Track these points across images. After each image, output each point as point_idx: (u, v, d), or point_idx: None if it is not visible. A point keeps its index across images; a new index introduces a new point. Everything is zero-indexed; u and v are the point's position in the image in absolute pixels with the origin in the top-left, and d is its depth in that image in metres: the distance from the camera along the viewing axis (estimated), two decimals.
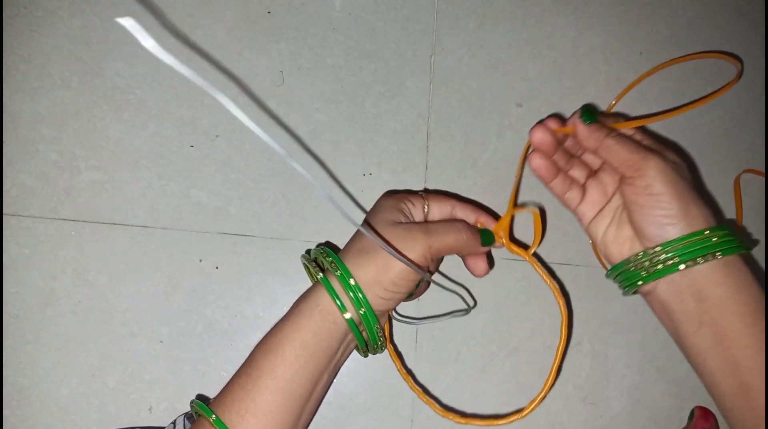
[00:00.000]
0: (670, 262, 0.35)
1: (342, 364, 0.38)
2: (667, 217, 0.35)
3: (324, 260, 0.36)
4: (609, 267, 0.40)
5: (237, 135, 0.45)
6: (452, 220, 0.39)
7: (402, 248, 0.35)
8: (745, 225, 0.51)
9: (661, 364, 0.49)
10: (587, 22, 0.51)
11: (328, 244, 0.45)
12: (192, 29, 0.46)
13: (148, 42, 0.17)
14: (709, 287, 0.34)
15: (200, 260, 0.44)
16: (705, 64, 0.52)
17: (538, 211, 0.41)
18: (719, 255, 0.33)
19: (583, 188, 0.41)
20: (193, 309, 0.44)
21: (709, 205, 0.36)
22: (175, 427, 0.38)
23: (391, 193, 0.41)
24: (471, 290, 0.47)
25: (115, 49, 0.44)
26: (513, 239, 0.46)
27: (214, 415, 0.33)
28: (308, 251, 0.39)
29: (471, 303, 0.47)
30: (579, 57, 0.50)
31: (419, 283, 0.38)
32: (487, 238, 0.39)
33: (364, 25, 0.48)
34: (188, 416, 0.38)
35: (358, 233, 0.38)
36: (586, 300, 0.48)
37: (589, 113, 0.38)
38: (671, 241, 0.34)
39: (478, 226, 0.40)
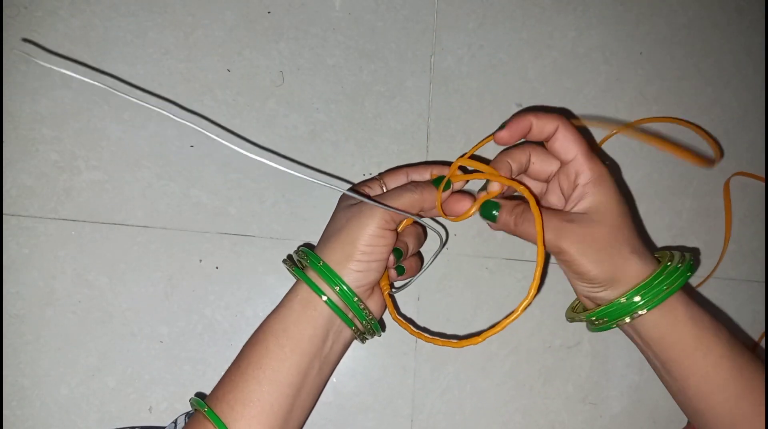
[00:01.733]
0: (600, 323, 0.36)
1: (337, 356, 0.38)
2: (593, 289, 0.35)
3: (299, 257, 0.38)
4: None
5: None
6: (404, 184, 0.39)
7: (361, 217, 0.36)
8: (734, 229, 0.52)
9: None
10: (587, 22, 0.51)
11: (307, 245, 0.45)
12: (192, 29, 0.46)
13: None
14: (646, 330, 0.35)
15: (200, 260, 0.44)
16: (705, 63, 0.52)
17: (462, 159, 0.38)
18: (643, 312, 0.34)
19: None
20: (193, 309, 0.44)
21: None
22: (176, 426, 0.38)
23: (350, 187, 0.42)
24: (467, 283, 0.47)
25: (115, 49, 0.44)
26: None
27: (206, 407, 0.34)
28: (289, 257, 0.39)
29: (443, 235, 0.47)
30: (579, 57, 0.50)
31: (400, 255, 0.38)
32: (439, 182, 0.39)
33: (364, 25, 0.48)
34: (189, 415, 0.38)
35: (326, 227, 0.39)
36: None
37: (487, 208, 0.37)
38: (599, 309, 0.35)
39: (431, 177, 0.40)
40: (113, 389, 0.43)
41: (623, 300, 0.34)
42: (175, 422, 0.39)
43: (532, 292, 0.34)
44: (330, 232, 0.38)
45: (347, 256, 0.36)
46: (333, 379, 0.45)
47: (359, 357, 0.46)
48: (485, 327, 0.47)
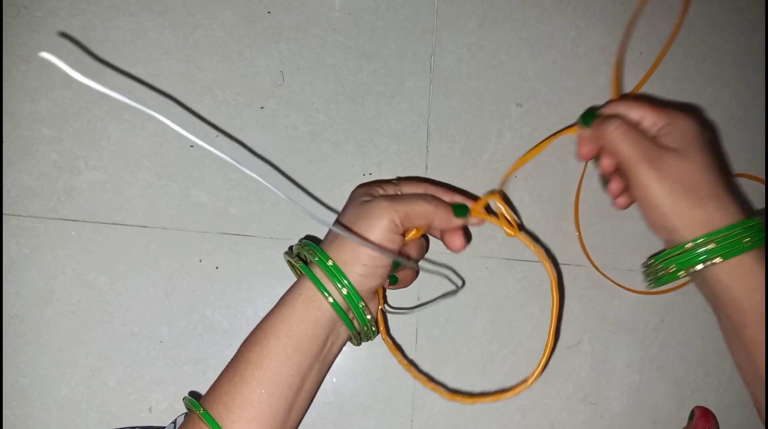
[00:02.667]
0: (671, 271, 0.35)
1: (334, 356, 0.38)
2: (663, 227, 0.35)
3: (304, 251, 0.36)
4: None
5: (237, 135, 0.45)
6: (420, 193, 0.39)
7: (370, 218, 0.35)
8: None
9: (661, 364, 0.49)
10: (587, 22, 0.51)
11: (308, 237, 0.45)
12: (192, 29, 0.46)
13: (74, 73, 0.18)
14: (719, 289, 0.34)
15: (200, 260, 0.44)
16: (705, 63, 0.52)
17: (498, 195, 0.39)
18: (718, 260, 0.33)
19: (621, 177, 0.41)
20: (193, 309, 0.44)
21: (722, 195, 0.35)
22: (175, 426, 0.38)
23: (364, 184, 0.41)
24: (467, 283, 0.47)
25: (115, 49, 0.44)
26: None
27: (202, 409, 0.33)
28: (291, 248, 0.39)
29: (459, 283, 0.47)
30: (579, 57, 0.50)
31: (398, 266, 0.38)
32: (460, 210, 0.38)
33: (364, 25, 0.48)
34: (188, 415, 0.38)
35: (333, 224, 0.38)
36: (586, 300, 0.48)
37: (588, 116, 0.38)
38: (666, 252, 0.35)
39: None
40: (113, 389, 0.43)
41: (690, 244, 0.33)
42: (174, 422, 0.39)
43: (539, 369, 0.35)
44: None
45: (355, 256, 0.35)
46: (333, 379, 0.45)
47: (359, 357, 0.46)
48: (485, 327, 0.47)
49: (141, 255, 0.44)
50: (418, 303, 0.47)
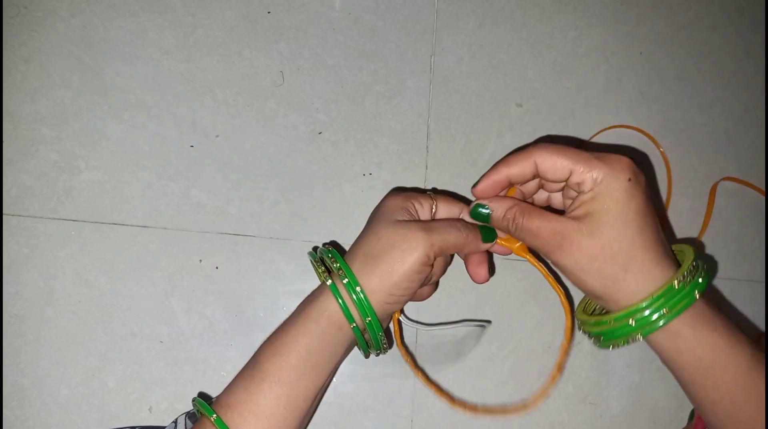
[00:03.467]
0: (597, 343, 0.34)
1: (339, 366, 0.38)
2: (595, 297, 0.34)
3: (330, 264, 0.36)
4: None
5: (237, 135, 0.45)
6: (453, 219, 0.38)
7: (404, 250, 0.34)
8: (734, 229, 0.51)
9: (661, 364, 0.48)
10: (587, 21, 0.51)
11: (334, 244, 0.45)
12: (192, 29, 0.46)
13: None
14: (663, 352, 0.33)
15: (200, 260, 0.44)
16: (705, 63, 0.52)
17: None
18: (639, 337, 0.32)
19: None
20: (193, 309, 0.44)
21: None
22: (176, 426, 0.38)
23: (398, 191, 0.40)
24: (472, 294, 0.47)
25: (115, 49, 0.45)
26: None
27: (215, 415, 0.33)
28: (315, 249, 0.39)
29: (483, 323, 0.47)
30: (579, 57, 0.50)
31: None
32: (488, 234, 0.38)
33: (364, 25, 0.48)
34: (189, 415, 0.38)
35: (363, 236, 0.37)
36: None
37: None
38: (598, 322, 0.33)
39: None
40: (113, 389, 0.43)
41: (620, 315, 0.32)
42: (175, 422, 0.39)
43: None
44: (369, 249, 0.35)
45: (382, 286, 0.34)
46: (333, 379, 0.45)
47: (359, 357, 0.46)
48: (485, 327, 0.47)
49: (141, 255, 0.44)
50: (438, 321, 0.47)
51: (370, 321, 0.34)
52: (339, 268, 0.35)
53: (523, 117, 0.49)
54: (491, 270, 0.44)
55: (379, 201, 0.40)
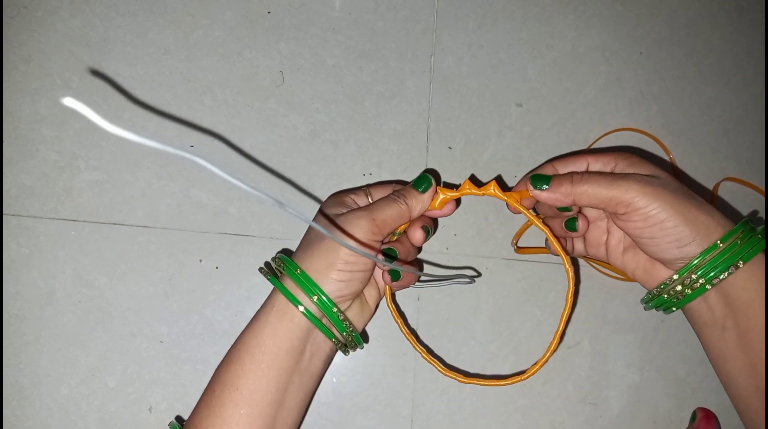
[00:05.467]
0: (698, 285, 0.34)
1: (318, 369, 0.37)
2: (679, 241, 0.33)
3: (275, 264, 0.36)
4: (645, 293, 0.39)
5: (237, 135, 0.45)
6: (386, 196, 0.38)
7: (347, 229, 0.34)
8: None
9: (661, 364, 0.49)
10: (587, 22, 0.51)
11: (285, 251, 0.45)
12: (192, 29, 0.46)
13: (98, 119, 0.18)
14: (735, 292, 0.33)
15: (200, 260, 0.44)
16: (705, 63, 0.52)
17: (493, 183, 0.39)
18: (741, 263, 0.32)
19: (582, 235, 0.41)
20: (193, 309, 0.44)
21: (712, 204, 0.35)
22: None
23: (334, 193, 0.41)
24: (472, 295, 0.47)
25: (115, 49, 0.45)
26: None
27: None
28: (267, 265, 0.39)
29: (474, 277, 0.47)
30: (579, 57, 0.50)
31: (396, 256, 0.37)
32: (421, 181, 0.37)
33: (364, 25, 0.48)
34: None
35: (306, 232, 0.38)
36: (586, 300, 0.48)
37: (541, 177, 0.36)
38: (693, 262, 0.33)
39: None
40: (113, 389, 0.43)
41: (721, 244, 0.32)
42: None
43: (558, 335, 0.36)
44: (311, 237, 0.36)
45: (329, 264, 0.34)
46: (333, 379, 0.45)
47: (359, 357, 0.46)
48: (485, 327, 0.47)
49: (141, 255, 0.44)
50: (428, 279, 0.47)
51: (318, 299, 0.34)
52: (278, 261, 0.36)
53: (523, 117, 0.49)
54: (434, 228, 0.45)
55: None
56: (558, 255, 0.37)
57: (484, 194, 0.38)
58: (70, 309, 0.43)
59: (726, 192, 0.52)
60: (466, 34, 0.49)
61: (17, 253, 0.42)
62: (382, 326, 0.46)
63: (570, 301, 0.36)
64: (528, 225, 0.46)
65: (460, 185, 0.38)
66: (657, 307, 0.38)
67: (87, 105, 0.45)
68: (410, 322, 0.46)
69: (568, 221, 0.38)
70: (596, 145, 0.50)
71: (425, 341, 0.46)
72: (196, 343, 0.44)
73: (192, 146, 0.45)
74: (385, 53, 0.48)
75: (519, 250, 0.47)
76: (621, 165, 0.36)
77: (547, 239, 0.40)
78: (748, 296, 0.33)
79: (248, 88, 0.46)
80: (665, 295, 0.36)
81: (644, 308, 0.39)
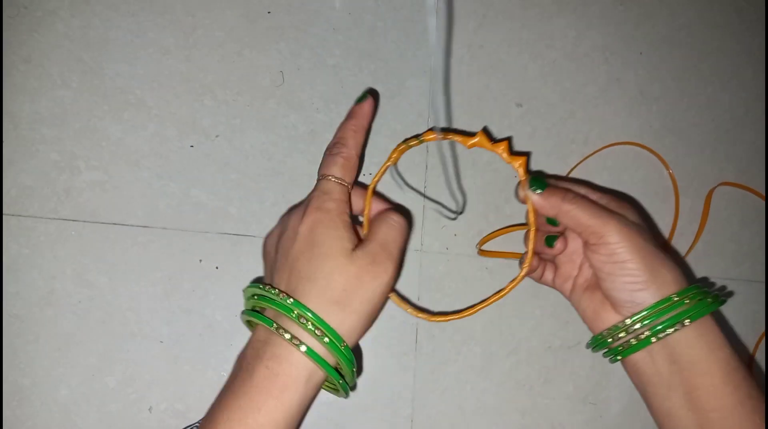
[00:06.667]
0: (643, 337, 0.34)
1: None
2: (635, 284, 0.34)
3: (292, 318, 0.31)
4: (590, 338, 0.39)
5: (237, 135, 0.45)
6: (385, 216, 0.37)
7: (372, 280, 0.33)
8: (734, 229, 0.51)
9: None
10: (587, 22, 0.51)
11: (259, 280, 0.41)
12: (192, 29, 0.46)
13: None
14: (681, 349, 0.33)
15: (200, 260, 0.44)
16: (705, 63, 0.52)
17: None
18: (687, 322, 0.33)
19: (554, 263, 0.42)
20: (193, 309, 0.44)
21: (676, 262, 0.35)
22: None
23: (317, 212, 0.34)
24: (470, 289, 0.47)
25: (115, 49, 0.44)
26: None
27: None
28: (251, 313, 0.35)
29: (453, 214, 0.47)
30: (579, 57, 0.50)
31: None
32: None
33: (364, 25, 0.48)
34: None
35: (313, 276, 0.32)
36: None
37: (539, 181, 0.37)
38: (641, 312, 0.34)
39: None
40: (113, 389, 0.43)
41: (675, 298, 0.33)
42: None
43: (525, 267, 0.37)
44: (337, 294, 0.32)
45: (360, 324, 0.32)
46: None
47: (359, 357, 0.46)
48: (485, 327, 0.47)
49: (141, 255, 0.44)
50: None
51: (342, 351, 0.32)
52: (316, 330, 0.31)
53: (523, 117, 0.49)
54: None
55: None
56: (526, 250, 0.38)
57: (470, 144, 0.37)
58: (70, 309, 0.43)
59: (726, 191, 0.52)
60: (466, 34, 0.49)
61: (17, 253, 0.42)
62: (382, 326, 0.46)
63: (533, 219, 0.37)
64: (501, 232, 0.46)
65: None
66: (601, 351, 0.38)
67: (87, 105, 0.46)
68: (410, 321, 0.46)
69: (549, 237, 0.39)
70: (597, 156, 0.50)
71: (425, 341, 0.46)
72: (196, 343, 0.44)
73: (192, 146, 0.45)
74: (385, 53, 0.48)
75: (482, 252, 0.47)
76: (612, 205, 0.37)
77: (527, 234, 0.40)
78: (695, 354, 0.33)
79: (248, 88, 0.46)
80: (610, 340, 0.36)
81: (592, 351, 0.39)
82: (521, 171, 0.37)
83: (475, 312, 0.38)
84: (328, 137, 0.46)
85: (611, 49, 0.51)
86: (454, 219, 0.46)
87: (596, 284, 0.38)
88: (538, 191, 0.36)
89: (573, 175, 0.49)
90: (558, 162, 0.49)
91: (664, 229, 0.51)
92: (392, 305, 0.46)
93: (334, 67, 0.47)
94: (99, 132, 0.44)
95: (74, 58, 0.44)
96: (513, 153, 0.38)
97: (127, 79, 0.44)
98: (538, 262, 0.41)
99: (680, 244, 0.51)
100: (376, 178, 0.39)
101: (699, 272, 0.51)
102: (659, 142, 0.51)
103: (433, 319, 0.39)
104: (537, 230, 0.38)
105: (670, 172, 0.50)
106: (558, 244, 0.39)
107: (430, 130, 0.38)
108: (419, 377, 0.46)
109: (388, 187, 0.47)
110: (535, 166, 0.49)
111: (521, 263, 0.39)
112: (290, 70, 0.47)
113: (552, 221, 0.38)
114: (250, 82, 0.46)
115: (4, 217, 0.42)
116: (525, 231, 0.42)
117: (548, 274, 0.42)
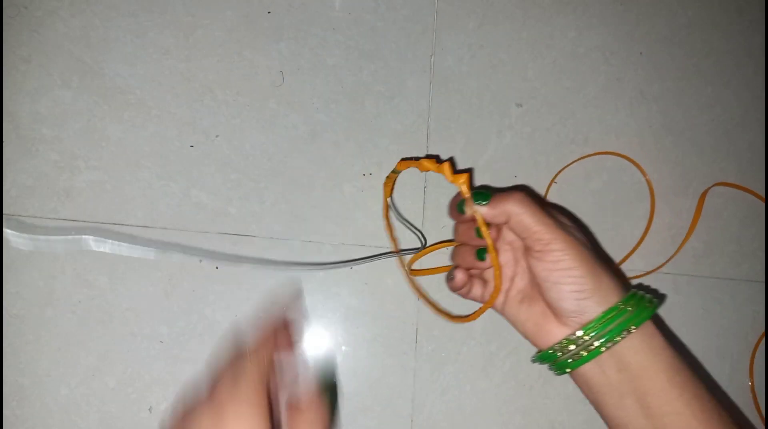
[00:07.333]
0: (593, 348, 0.34)
1: None
2: (581, 292, 0.33)
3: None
4: (535, 352, 0.38)
5: (237, 135, 0.45)
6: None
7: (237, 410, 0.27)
8: (734, 229, 0.52)
9: None
10: (587, 22, 0.51)
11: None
12: (192, 29, 0.46)
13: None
14: (629, 356, 0.33)
15: (200, 260, 0.44)
16: (705, 63, 0.52)
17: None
18: (633, 328, 0.33)
19: (482, 278, 0.40)
20: (193, 309, 0.44)
21: (612, 270, 0.35)
22: None
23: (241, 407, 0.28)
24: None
25: (115, 49, 0.45)
26: None
27: None
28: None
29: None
30: (579, 57, 0.50)
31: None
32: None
33: (364, 25, 0.48)
34: None
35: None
36: None
37: (482, 194, 0.36)
38: (591, 323, 0.34)
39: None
40: (113, 389, 0.43)
41: (621, 306, 0.33)
42: None
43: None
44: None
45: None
46: None
47: (359, 357, 0.46)
48: (485, 327, 0.47)
49: (141, 255, 0.44)
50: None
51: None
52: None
53: (523, 117, 0.49)
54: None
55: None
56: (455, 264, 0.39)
57: (423, 168, 0.37)
58: (70, 309, 0.43)
59: (726, 191, 0.52)
60: (466, 34, 0.49)
61: (17, 253, 0.42)
62: (382, 326, 0.46)
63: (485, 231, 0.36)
64: (427, 251, 0.45)
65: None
66: (547, 364, 0.37)
67: (87, 105, 0.46)
68: (410, 322, 0.46)
69: (479, 250, 0.37)
70: (582, 162, 0.50)
71: (425, 341, 0.46)
72: (196, 343, 0.44)
73: (192, 146, 0.45)
74: (385, 53, 0.48)
75: (413, 272, 0.45)
76: (559, 217, 0.37)
77: (454, 250, 0.40)
78: (642, 360, 0.33)
79: (248, 88, 0.46)
80: (560, 354, 0.36)
81: (539, 364, 0.38)
82: (464, 188, 0.36)
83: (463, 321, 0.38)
84: (328, 137, 0.47)
85: (611, 49, 0.51)
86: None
87: (533, 296, 0.37)
88: (484, 203, 0.36)
89: (558, 179, 0.49)
90: (558, 162, 0.49)
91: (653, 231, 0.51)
92: (392, 305, 0.46)
93: (334, 67, 0.47)
94: (99, 132, 0.44)
95: (74, 58, 0.44)
96: (456, 172, 0.37)
97: (127, 79, 0.44)
98: (465, 277, 0.39)
99: (674, 243, 0.51)
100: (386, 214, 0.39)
101: (699, 272, 0.51)
102: (659, 142, 0.51)
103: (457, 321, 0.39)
104: (465, 245, 0.38)
105: (647, 178, 0.50)
106: (489, 256, 0.37)
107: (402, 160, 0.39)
108: (419, 377, 0.46)
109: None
110: (534, 166, 0.49)
111: (448, 278, 0.39)
112: (290, 70, 0.47)
113: (481, 236, 0.37)
114: (250, 82, 0.46)
115: (4, 217, 0.42)
116: (452, 247, 0.42)
117: (477, 290, 0.40)
